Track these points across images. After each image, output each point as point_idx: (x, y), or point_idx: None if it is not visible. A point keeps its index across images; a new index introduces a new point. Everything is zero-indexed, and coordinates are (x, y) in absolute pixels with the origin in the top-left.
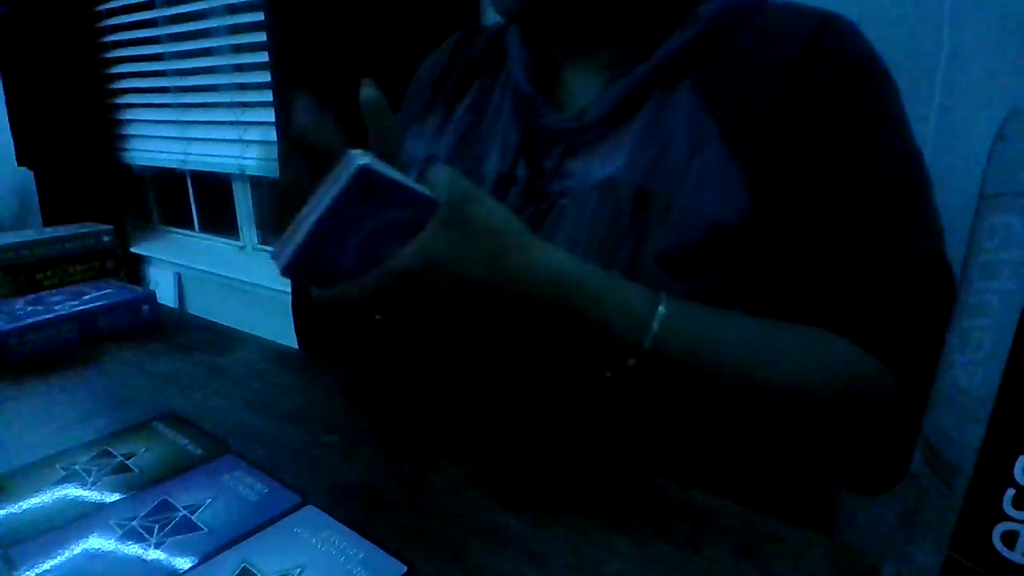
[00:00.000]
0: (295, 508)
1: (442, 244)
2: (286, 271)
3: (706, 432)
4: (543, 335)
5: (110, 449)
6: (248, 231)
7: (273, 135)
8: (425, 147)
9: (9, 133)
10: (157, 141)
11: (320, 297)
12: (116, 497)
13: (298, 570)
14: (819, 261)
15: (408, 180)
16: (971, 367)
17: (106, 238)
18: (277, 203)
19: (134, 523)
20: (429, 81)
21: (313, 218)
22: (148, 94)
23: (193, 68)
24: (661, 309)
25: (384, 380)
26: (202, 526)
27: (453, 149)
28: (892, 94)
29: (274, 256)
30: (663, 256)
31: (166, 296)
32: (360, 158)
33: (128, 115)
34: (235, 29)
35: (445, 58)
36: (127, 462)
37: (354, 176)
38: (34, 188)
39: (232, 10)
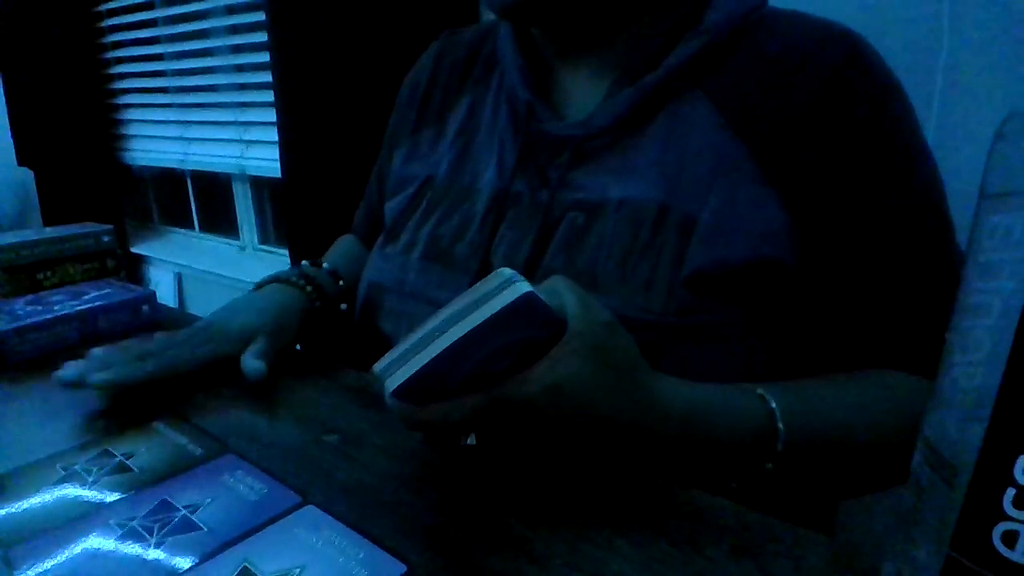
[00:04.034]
0: (295, 508)
1: (574, 376)
2: (399, 393)
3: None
4: (669, 462)
5: (110, 449)
6: (248, 231)
7: (274, 135)
8: (421, 165)
9: (9, 133)
10: (157, 141)
11: (414, 416)
12: (116, 497)
13: (298, 570)
14: (870, 280)
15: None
16: (971, 367)
17: (106, 238)
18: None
19: (134, 523)
20: (414, 96)
21: (452, 339)
22: (148, 94)
23: (193, 68)
24: (773, 405)
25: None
26: (202, 526)
27: (450, 165)
28: (913, 113)
29: (381, 374)
30: (697, 275)
31: (166, 296)
32: (521, 283)
33: (128, 115)
34: (235, 29)
35: (428, 71)
36: (127, 462)
37: (517, 302)
38: (34, 188)
39: (232, 10)
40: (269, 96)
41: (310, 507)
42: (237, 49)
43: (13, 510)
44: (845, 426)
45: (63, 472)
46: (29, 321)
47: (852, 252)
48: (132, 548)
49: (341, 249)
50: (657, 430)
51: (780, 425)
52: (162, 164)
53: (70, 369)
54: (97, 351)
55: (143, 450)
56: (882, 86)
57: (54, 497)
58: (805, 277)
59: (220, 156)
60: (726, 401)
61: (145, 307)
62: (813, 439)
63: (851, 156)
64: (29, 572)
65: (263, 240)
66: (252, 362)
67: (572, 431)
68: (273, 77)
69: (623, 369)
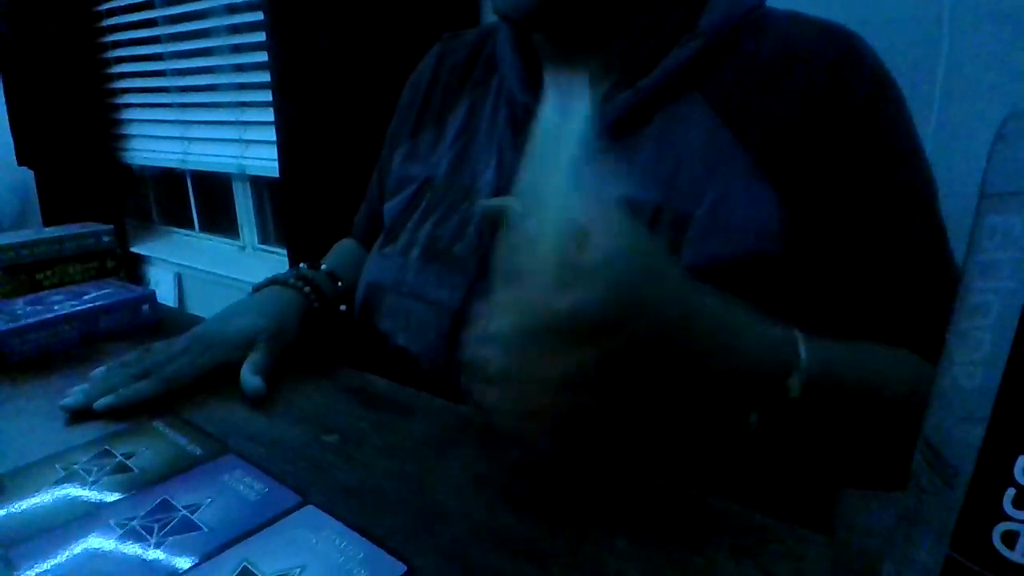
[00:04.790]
0: (295, 508)
1: (625, 248)
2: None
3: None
4: (699, 383)
5: (110, 449)
6: (248, 231)
7: (273, 135)
8: (421, 166)
9: (9, 133)
10: (157, 141)
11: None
12: (116, 497)
13: (298, 570)
14: (862, 276)
15: None
16: (971, 367)
17: (106, 238)
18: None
19: (134, 523)
20: (415, 98)
21: None
22: (148, 94)
23: (193, 68)
24: (797, 332)
25: (385, 379)
26: (202, 526)
27: (450, 166)
28: (908, 113)
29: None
30: (690, 270)
31: (166, 296)
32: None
33: (128, 115)
34: (235, 29)
35: (428, 73)
36: (127, 462)
37: None
38: (34, 188)
39: (232, 10)
40: (269, 96)
41: (310, 507)
42: (237, 49)
43: (13, 510)
44: (866, 369)
45: (63, 472)
46: (29, 321)
47: (844, 249)
48: (132, 548)
49: (340, 252)
50: (693, 328)
51: (801, 348)
52: (162, 164)
53: (75, 396)
54: (98, 372)
55: (143, 450)
56: (878, 85)
57: (54, 497)
58: (799, 273)
59: (220, 156)
60: (750, 311)
61: (145, 307)
62: (832, 371)
63: (845, 155)
64: (29, 572)
65: (263, 240)
66: (251, 379)
67: (640, 352)
68: (272, 77)
69: (658, 252)
